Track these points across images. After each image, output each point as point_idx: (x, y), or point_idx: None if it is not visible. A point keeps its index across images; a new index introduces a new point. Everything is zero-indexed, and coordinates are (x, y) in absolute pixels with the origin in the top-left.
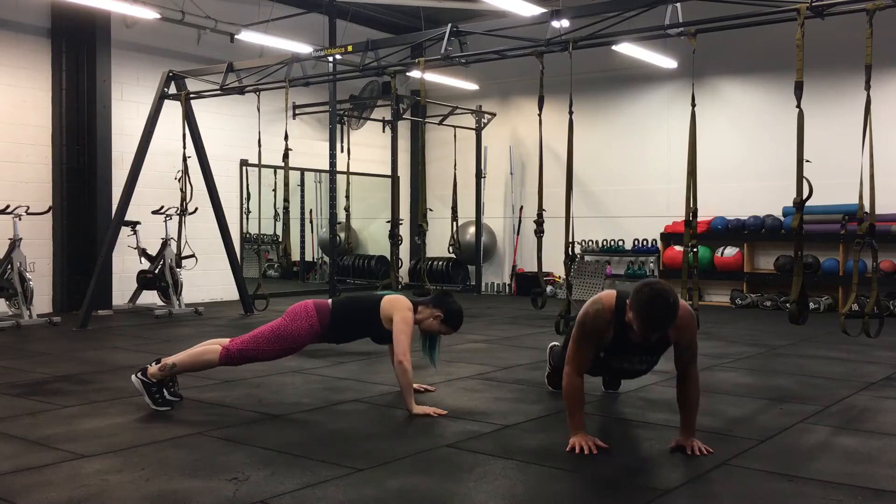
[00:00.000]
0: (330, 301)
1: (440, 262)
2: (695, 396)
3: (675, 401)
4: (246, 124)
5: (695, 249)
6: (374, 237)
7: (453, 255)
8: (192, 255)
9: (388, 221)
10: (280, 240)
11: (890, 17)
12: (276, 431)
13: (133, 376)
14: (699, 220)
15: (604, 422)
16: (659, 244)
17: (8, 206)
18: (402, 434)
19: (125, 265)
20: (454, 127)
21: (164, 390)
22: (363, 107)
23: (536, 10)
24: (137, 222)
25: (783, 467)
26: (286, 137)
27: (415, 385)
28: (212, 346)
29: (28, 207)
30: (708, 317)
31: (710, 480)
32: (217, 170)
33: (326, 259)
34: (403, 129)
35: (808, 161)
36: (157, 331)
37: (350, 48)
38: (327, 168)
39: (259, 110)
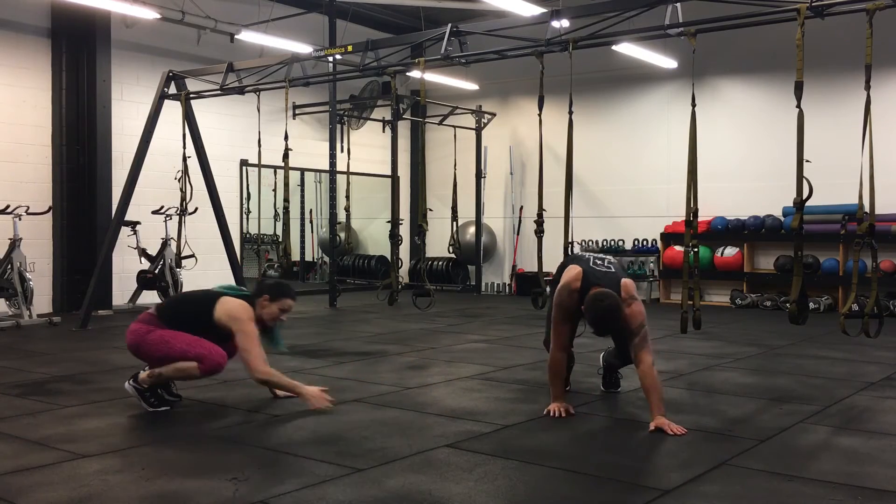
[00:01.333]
0: (155, 306)
1: (440, 262)
2: (651, 380)
3: (674, 400)
4: (246, 124)
5: (695, 249)
6: (374, 237)
7: (453, 255)
8: (192, 255)
9: (388, 221)
10: (280, 240)
11: (890, 17)
12: (276, 431)
13: (126, 383)
14: (699, 220)
15: (604, 422)
16: (659, 244)
17: (8, 206)
18: (402, 434)
19: (125, 265)
20: (454, 127)
21: (161, 391)
22: (363, 107)
23: (536, 10)
24: (137, 222)
25: (783, 467)
26: (286, 137)
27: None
28: (189, 364)
29: (28, 207)
30: (708, 317)
31: (710, 480)
32: (217, 170)
33: (326, 259)
34: (403, 129)
35: (808, 161)
36: None
37: (350, 48)
38: (327, 168)
39: (259, 110)
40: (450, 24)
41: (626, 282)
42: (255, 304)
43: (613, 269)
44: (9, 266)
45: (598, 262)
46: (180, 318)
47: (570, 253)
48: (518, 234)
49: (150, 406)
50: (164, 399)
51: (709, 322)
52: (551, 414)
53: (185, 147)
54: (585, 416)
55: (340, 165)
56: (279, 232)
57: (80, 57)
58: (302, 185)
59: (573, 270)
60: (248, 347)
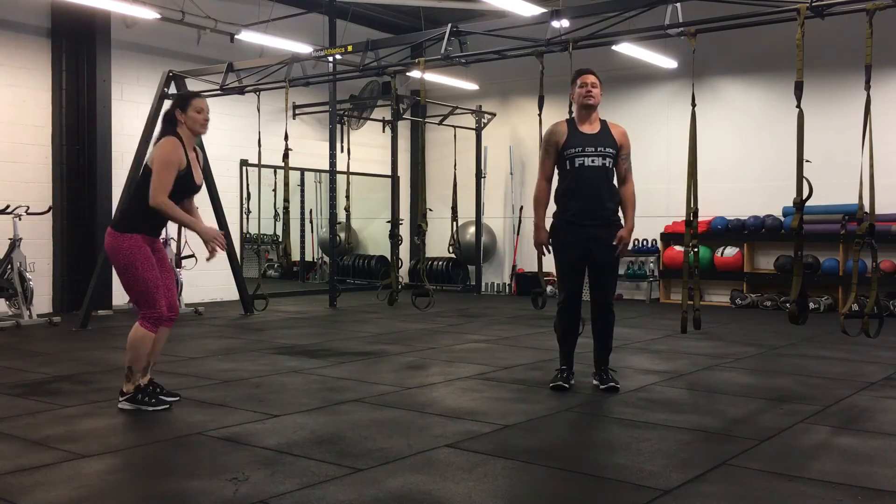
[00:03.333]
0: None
1: (440, 262)
2: (632, 198)
3: (674, 400)
4: (246, 124)
5: (695, 249)
6: (374, 237)
7: (453, 255)
8: (192, 255)
9: (388, 221)
10: (280, 240)
11: (890, 17)
12: (276, 431)
13: (118, 405)
14: (699, 220)
15: (604, 422)
16: (659, 244)
17: (8, 206)
18: (402, 434)
19: None
20: (454, 127)
21: (154, 391)
22: (363, 107)
23: (536, 10)
24: None
25: (783, 467)
26: (286, 137)
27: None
28: (135, 331)
29: (28, 207)
30: (708, 317)
31: (710, 480)
32: (217, 170)
33: (326, 259)
34: (403, 129)
35: (808, 161)
36: None
37: (350, 48)
38: (327, 168)
39: (259, 110)
40: (450, 24)
41: (612, 122)
42: (178, 130)
43: None
44: (9, 266)
45: None
46: (133, 203)
47: None
48: (518, 234)
49: (150, 407)
50: (162, 399)
51: (709, 322)
52: (538, 247)
53: None
54: (585, 416)
55: (340, 165)
56: (279, 232)
57: (80, 57)
58: (302, 185)
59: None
60: (158, 174)
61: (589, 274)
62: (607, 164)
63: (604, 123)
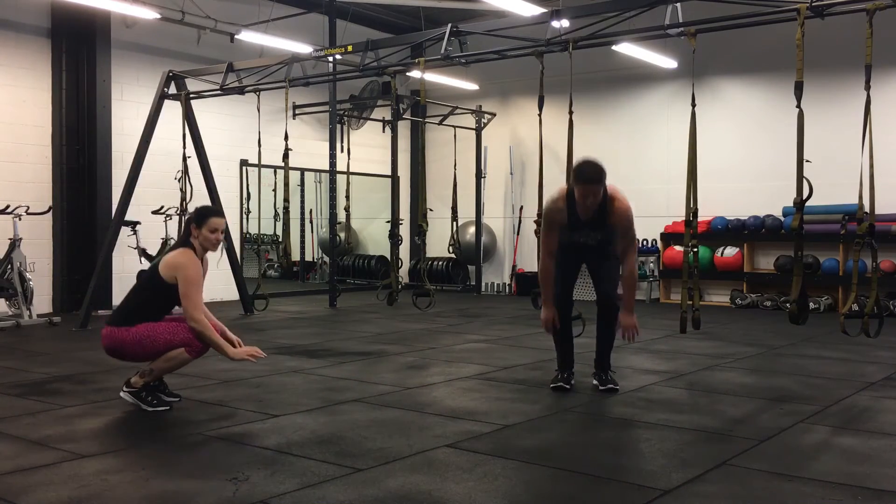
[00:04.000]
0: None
1: (440, 262)
2: (633, 280)
3: (674, 400)
4: (246, 124)
5: (695, 249)
6: (374, 237)
7: (453, 255)
8: None
9: (388, 221)
10: (280, 240)
11: (890, 17)
12: (276, 431)
13: (121, 392)
14: (699, 220)
15: (604, 422)
16: (659, 244)
17: (8, 206)
18: (402, 434)
19: (125, 265)
20: (454, 127)
21: (157, 392)
22: (363, 107)
23: (536, 10)
24: (137, 222)
25: (783, 467)
26: (286, 137)
27: (244, 353)
28: (179, 349)
29: (28, 207)
30: (708, 317)
31: (710, 480)
32: (217, 170)
33: (326, 259)
34: (403, 129)
35: (808, 161)
36: None
37: (350, 48)
38: (327, 168)
39: (259, 110)
40: (450, 24)
41: (612, 184)
42: (190, 240)
43: None
44: (9, 266)
45: None
46: (142, 307)
47: None
48: (518, 234)
49: (150, 406)
50: (163, 399)
51: (709, 322)
52: (545, 325)
53: (185, 147)
54: (585, 416)
55: (340, 165)
56: (279, 232)
57: (80, 57)
58: (302, 185)
59: (557, 189)
60: (188, 293)
61: (588, 269)
62: (599, 244)
63: (604, 201)
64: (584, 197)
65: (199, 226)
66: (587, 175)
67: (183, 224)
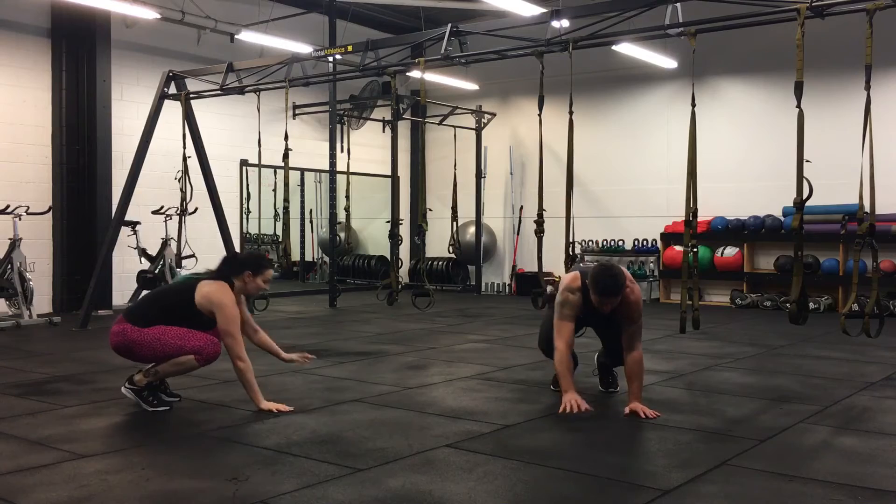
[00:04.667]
0: (125, 311)
1: (440, 262)
2: (640, 369)
3: (673, 400)
4: (246, 124)
5: (695, 249)
6: (374, 237)
7: (453, 255)
8: (192, 255)
9: (388, 221)
10: (280, 240)
11: (890, 17)
12: (276, 431)
13: (123, 387)
14: (699, 220)
15: (604, 422)
16: (659, 244)
17: (8, 206)
18: (402, 434)
19: (125, 265)
20: (454, 127)
21: (158, 392)
22: (363, 107)
23: (536, 10)
24: (137, 222)
25: (783, 467)
26: (286, 137)
27: (295, 356)
28: (188, 356)
29: (28, 207)
30: (708, 317)
31: (710, 480)
32: (217, 170)
33: (326, 259)
34: (403, 129)
35: (808, 161)
36: None
37: (350, 48)
38: (327, 168)
39: (259, 110)
40: (450, 24)
41: (623, 269)
42: (235, 280)
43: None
44: (9, 266)
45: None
46: (161, 313)
47: (570, 253)
48: (518, 234)
49: (150, 406)
50: (164, 399)
51: (709, 322)
52: (567, 409)
53: (185, 147)
54: (585, 416)
55: (340, 165)
56: (279, 232)
57: (80, 57)
58: (302, 185)
59: (570, 275)
60: (230, 331)
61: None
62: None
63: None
64: (601, 304)
65: (254, 273)
66: (608, 290)
67: (227, 260)
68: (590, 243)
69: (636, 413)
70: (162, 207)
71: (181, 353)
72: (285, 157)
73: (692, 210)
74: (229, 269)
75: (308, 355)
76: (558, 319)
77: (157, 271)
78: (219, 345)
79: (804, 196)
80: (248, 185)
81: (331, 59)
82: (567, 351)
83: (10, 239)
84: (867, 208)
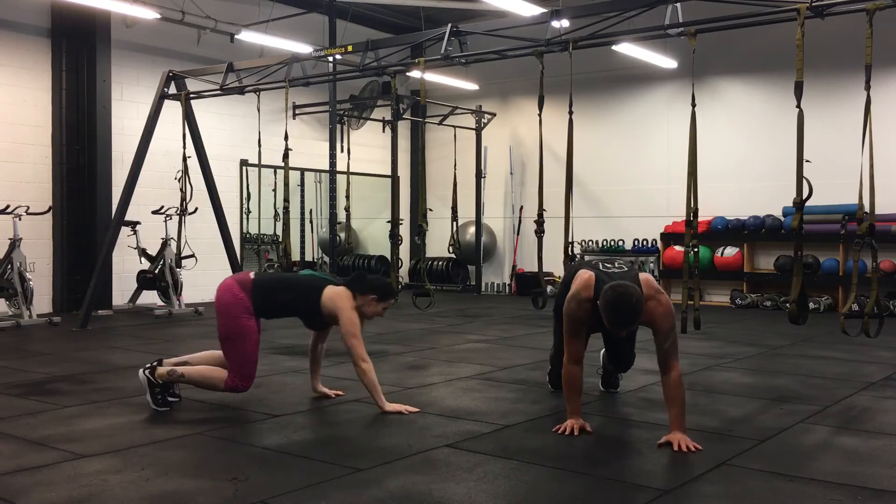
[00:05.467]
0: (252, 275)
1: (440, 262)
2: (679, 392)
3: None
4: (246, 124)
5: (695, 249)
6: (374, 237)
7: (453, 255)
8: (192, 255)
9: (388, 221)
10: (280, 240)
11: (890, 17)
12: (276, 431)
13: (141, 371)
14: (699, 220)
15: (604, 422)
16: (659, 244)
17: (8, 206)
18: (402, 434)
19: (125, 265)
20: (454, 127)
21: (165, 393)
22: (363, 107)
23: (536, 10)
24: (137, 222)
25: (783, 467)
26: (286, 137)
27: (327, 391)
28: (220, 373)
29: (28, 207)
30: (708, 317)
31: (710, 480)
32: (217, 170)
33: (326, 259)
34: (403, 129)
35: (808, 161)
36: (157, 331)
37: (350, 48)
38: (327, 168)
39: (259, 110)
40: (450, 24)
41: (645, 276)
42: (358, 297)
43: (626, 269)
44: (9, 266)
45: (608, 265)
46: (284, 300)
47: (570, 253)
48: (518, 234)
49: (155, 404)
50: (167, 400)
51: (709, 322)
52: (565, 432)
53: (185, 147)
54: (585, 416)
55: (340, 165)
56: (279, 232)
57: (80, 57)
58: (302, 185)
59: (583, 276)
60: (356, 334)
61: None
62: (629, 336)
63: None
64: (614, 332)
65: (379, 299)
66: (623, 321)
67: (360, 276)
68: (590, 243)
69: (672, 444)
70: (162, 207)
71: (230, 364)
72: (285, 157)
73: (692, 210)
74: (357, 285)
75: (339, 392)
76: (568, 336)
77: (157, 271)
78: (247, 387)
79: (804, 196)
80: (248, 185)
81: (331, 59)
82: (577, 369)
83: (10, 239)
84: (867, 208)
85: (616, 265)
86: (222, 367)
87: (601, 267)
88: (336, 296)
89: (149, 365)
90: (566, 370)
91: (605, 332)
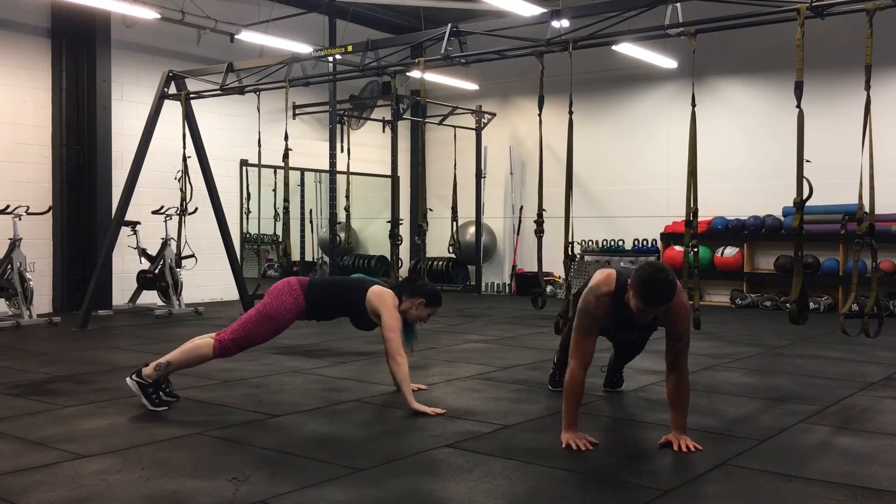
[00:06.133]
0: (309, 278)
1: (440, 262)
2: (685, 392)
3: None
4: (246, 124)
5: (695, 249)
6: (374, 237)
7: (453, 255)
8: (192, 255)
9: (389, 221)
10: (280, 240)
11: (890, 17)
12: (276, 431)
13: (128, 378)
14: (699, 220)
15: (604, 422)
16: (659, 244)
17: (8, 206)
18: (402, 434)
19: (125, 265)
20: (454, 127)
21: (160, 392)
22: (363, 107)
23: (536, 10)
24: (137, 222)
25: (783, 467)
26: (286, 137)
27: (426, 409)
28: (203, 340)
29: (28, 207)
30: (708, 317)
31: (710, 480)
32: (217, 170)
33: (326, 259)
34: (403, 129)
35: (808, 161)
36: (157, 331)
37: (350, 48)
38: (327, 168)
39: (259, 110)
40: (450, 24)
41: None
42: (406, 299)
43: None
44: (9, 266)
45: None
46: (331, 297)
47: (570, 253)
48: (518, 234)
49: (151, 404)
50: (164, 399)
51: (709, 322)
52: (572, 447)
53: (185, 147)
54: (585, 416)
55: (340, 165)
56: (279, 232)
57: (80, 57)
58: (302, 185)
59: (604, 272)
60: (393, 328)
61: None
62: (640, 340)
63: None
64: (642, 313)
65: (426, 304)
66: (659, 298)
67: (412, 280)
68: (590, 243)
69: (672, 444)
70: (162, 207)
71: (237, 328)
72: (285, 157)
73: (692, 210)
74: (408, 287)
75: (438, 411)
76: (578, 333)
77: (157, 271)
78: (233, 352)
79: (804, 196)
80: (248, 185)
81: (331, 59)
82: (581, 375)
83: (10, 239)
84: (867, 208)
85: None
86: (206, 338)
87: (622, 264)
88: (381, 294)
89: (133, 370)
90: (571, 376)
91: (618, 335)
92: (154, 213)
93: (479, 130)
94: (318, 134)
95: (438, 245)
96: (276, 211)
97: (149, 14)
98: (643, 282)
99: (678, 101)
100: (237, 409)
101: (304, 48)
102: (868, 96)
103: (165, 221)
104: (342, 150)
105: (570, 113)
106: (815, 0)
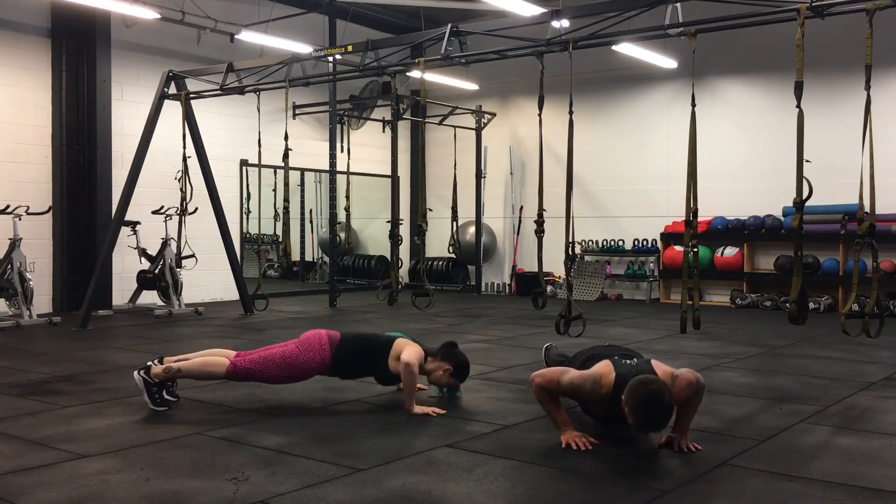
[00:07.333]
0: (340, 334)
1: (440, 262)
2: (696, 404)
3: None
4: (246, 124)
5: (695, 249)
6: (374, 237)
7: (453, 255)
8: (192, 255)
9: (388, 221)
10: (280, 240)
11: (890, 17)
12: (276, 431)
13: (136, 373)
14: (699, 220)
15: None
16: (659, 244)
17: (8, 206)
18: (402, 434)
19: (125, 265)
20: (454, 127)
21: (162, 392)
22: (363, 107)
23: (536, 10)
24: (137, 222)
25: (783, 467)
26: (286, 137)
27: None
28: (219, 359)
29: (28, 207)
30: (708, 317)
31: (710, 480)
32: (217, 170)
33: (326, 259)
34: (403, 129)
35: (808, 161)
36: (157, 331)
37: (350, 48)
38: (327, 168)
39: (259, 110)
40: (450, 24)
41: (656, 362)
42: (433, 360)
43: (636, 360)
44: (9, 266)
45: (626, 357)
46: (359, 359)
47: (570, 253)
48: (518, 234)
49: (153, 403)
50: (165, 399)
51: (709, 322)
52: (573, 447)
53: (185, 147)
54: (585, 416)
55: (340, 165)
56: (279, 232)
57: (80, 57)
58: (302, 185)
59: (604, 368)
60: (413, 363)
61: None
62: None
63: None
64: (643, 432)
65: (454, 374)
66: (659, 421)
67: (451, 344)
68: (590, 243)
69: (672, 445)
70: (162, 207)
71: (262, 358)
72: (285, 157)
73: (692, 210)
74: (443, 350)
75: (438, 411)
76: (565, 389)
77: (157, 271)
78: (252, 374)
79: (804, 196)
80: (248, 185)
81: (331, 59)
82: (547, 389)
83: (10, 239)
84: (867, 208)
85: (632, 355)
86: (222, 357)
87: (616, 357)
88: (409, 344)
89: (143, 366)
90: (538, 393)
91: (610, 425)
92: (154, 213)
93: (479, 130)
94: (318, 134)
95: (438, 245)
96: (276, 211)
97: (149, 14)
98: (639, 407)
99: (678, 101)
100: (237, 409)
101: (304, 48)
102: (868, 96)
103: (165, 221)
104: (342, 150)
105: (571, 113)
106: (815, 0)
